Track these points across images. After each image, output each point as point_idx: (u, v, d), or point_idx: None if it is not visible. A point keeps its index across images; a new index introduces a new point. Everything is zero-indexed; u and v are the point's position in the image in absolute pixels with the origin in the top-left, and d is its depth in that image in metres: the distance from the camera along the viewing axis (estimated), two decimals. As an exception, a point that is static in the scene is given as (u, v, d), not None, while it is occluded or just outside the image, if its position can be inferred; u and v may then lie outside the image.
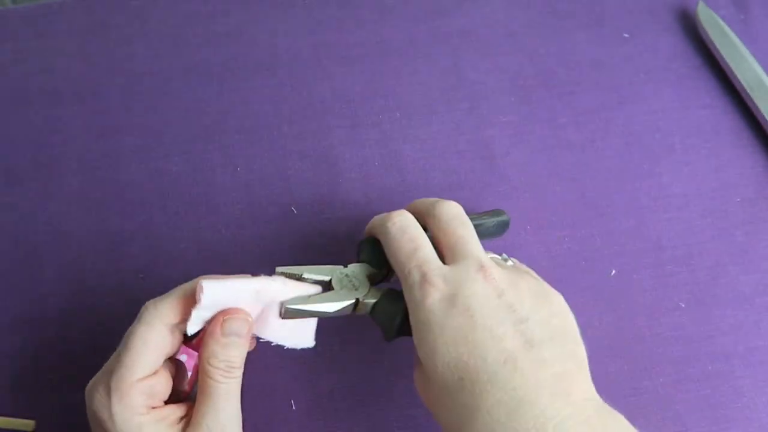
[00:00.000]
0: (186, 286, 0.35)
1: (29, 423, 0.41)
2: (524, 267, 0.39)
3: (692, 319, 0.44)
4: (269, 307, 0.35)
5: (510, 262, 0.39)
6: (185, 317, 0.34)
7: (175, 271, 0.46)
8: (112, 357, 0.35)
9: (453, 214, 0.37)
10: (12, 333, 0.44)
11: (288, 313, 0.36)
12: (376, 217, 0.39)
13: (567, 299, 0.45)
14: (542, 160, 0.49)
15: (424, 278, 0.34)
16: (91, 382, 0.34)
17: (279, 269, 0.37)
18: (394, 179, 0.49)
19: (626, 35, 0.54)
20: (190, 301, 0.34)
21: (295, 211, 0.48)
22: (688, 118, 0.51)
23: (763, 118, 0.50)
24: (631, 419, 0.42)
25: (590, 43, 0.54)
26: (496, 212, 0.44)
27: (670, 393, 0.42)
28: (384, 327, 0.37)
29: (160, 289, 0.45)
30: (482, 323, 0.32)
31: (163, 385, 0.34)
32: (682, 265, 0.46)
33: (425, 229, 0.38)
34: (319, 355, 0.43)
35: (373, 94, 0.52)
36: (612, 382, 0.42)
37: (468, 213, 0.39)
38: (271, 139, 0.50)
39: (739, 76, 0.51)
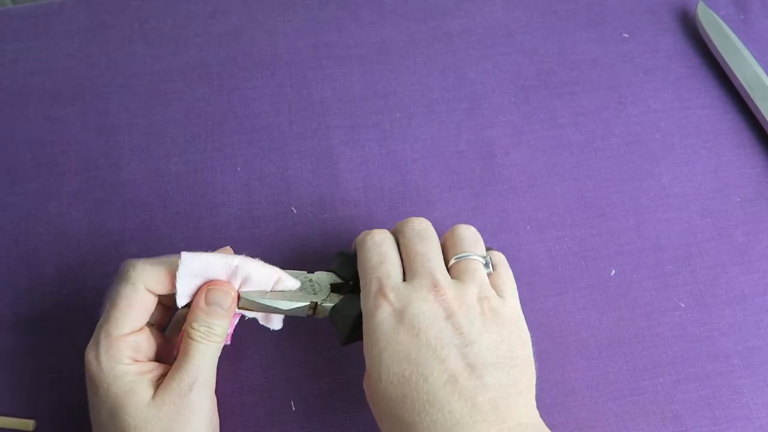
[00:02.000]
0: (171, 259, 0.37)
1: (29, 423, 0.41)
2: (504, 271, 0.39)
3: (692, 319, 0.44)
4: (246, 283, 0.37)
5: (489, 269, 0.38)
6: (167, 287, 0.37)
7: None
8: (102, 317, 0.37)
9: (416, 230, 0.38)
10: (12, 332, 0.44)
11: (243, 303, 0.37)
12: (362, 233, 0.40)
13: (567, 299, 0.45)
14: (542, 160, 0.49)
15: (379, 290, 0.35)
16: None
17: None
18: (394, 179, 0.49)
19: (626, 35, 0.54)
20: (173, 274, 0.36)
21: (295, 211, 0.48)
22: (688, 118, 0.51)
23: (763, 118, 0.50)
24: (631, 419, 0.42)
25: (590, 43, 0.54)
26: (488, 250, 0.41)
27: (670, 393, 0.42)
28: (339, 330, 0.38)
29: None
30: (426, 342, 0.33)
31: (147, 342, 0.37)
32: (682, 265, 0.46)
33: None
34: (319, 355, 0.43)
35: (373, 94, 0.52)
36: (612, 382, 0.42)
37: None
38: (271, 139, 0.50)
39: (739, 76, 0.51)
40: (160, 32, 0.55)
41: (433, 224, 0.47)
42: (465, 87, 0.52)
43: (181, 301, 0.37)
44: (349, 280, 0.40)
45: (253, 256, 0.38)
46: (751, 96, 0.50)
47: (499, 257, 0.39)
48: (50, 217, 0.48)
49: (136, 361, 0.36)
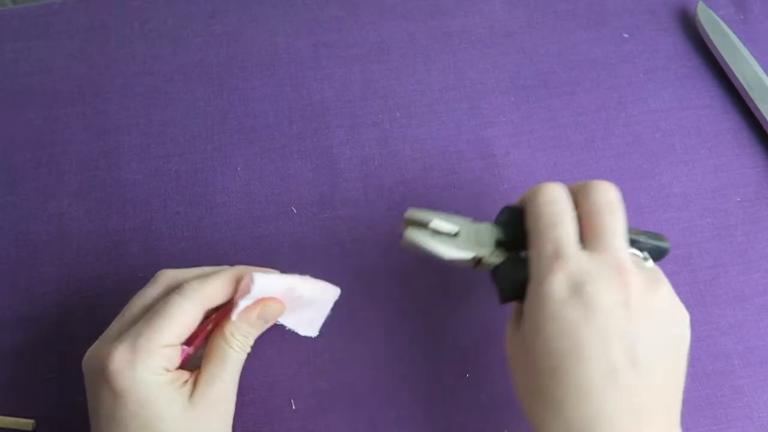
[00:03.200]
0: (228, 274, 0.37)
1: (29, 422, 0.41)
2: (659, 272, 0.36)
3: (692, 318, 0.44)
4: (294, 300, 0.39)
5: (649, 263, 0.36)
6: (217, 303, 0.37)
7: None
8: (117, 322, 0.37)
9: (606, 199, 0.35)
10: (12, 332, 0.44)
11: (406, 241, 0.36)
12: (532, 187, 0.37)
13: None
14: (542, 160, 0.49)
15: (556, 254, 0.33)
16: (96, 350, 0.36)
17: (409, 211, 0.37)
18: (394, 179, 0.49)
19: (626, 35, 0.54)
20: (228, 291, 0.37)
21: (295, 211, 0.48)
22: (688, 118, 0.51)
23: (763, 118, 0.50)
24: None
25: (590, 43, 0.54)
26: (657, 236, 0.39)
27: (670, 393, 0.42)
28: (503, 288, 0.36)
29: (160, 288, 0.45)
30: (597, 326, 0.31)
31: (180, 354, 0.36)
32: (682, 264, 0.46)
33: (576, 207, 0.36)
34: (319, 355, 0.43)
35: (373, 94, 0.52)
36: (612, 381, 0.42)
37: (630, 227, 0.37)
38: (271, 139, 0.50)
39: (739, 76, 0.51)
40: (160, 32, 0.55)
41: (433, 224, 0.47)
42: (465, 87, 0.52)
43: (235, 316, 0.37)
44: (516, 237, 0.37)
45: (261, 265, 0.39)
46: (751, 96, 0.50)
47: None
48: (50, 217, 0.48)
49: (168, 371, 0.35)
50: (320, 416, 0.42)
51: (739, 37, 0.53)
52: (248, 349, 0.37)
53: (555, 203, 0.35)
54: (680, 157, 0.50)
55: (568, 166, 0.49)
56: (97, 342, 0.37)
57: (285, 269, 0.39)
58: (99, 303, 0.45)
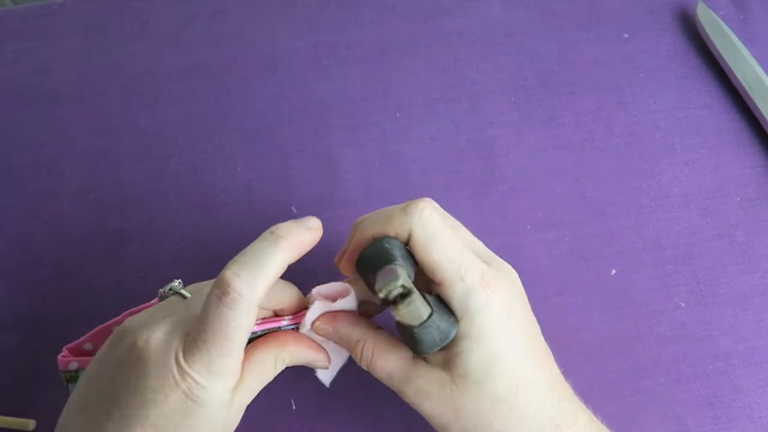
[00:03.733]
0: (271, 254, 0.31)
1: (29, 422, 0.41)
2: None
3: (692, 318, 0.44)
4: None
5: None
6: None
7: (175, 271, 0.46)
8: (209, 337, 0.31)
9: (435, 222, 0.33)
10: (12, 332, 0.44)
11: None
12: (375, 213, 0.35)
13: (567, 299, 0.45)
14: (542, 160, 0.49)
15: (483, 278, 0.32)
16: (152, 337, 0.31)
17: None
18: (394, 179, 0.49)
19: (626, 35, 0.54)
20: (279, 268, 0.31)
21: (295, 211, 0.48)
22: (688, 118, 0.51)
23: (763, 118, 0.50)
24: (631, 419, 0.42)
25: (590, 43, 0.54)
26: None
27: (670, 393, 0.42)
28: (431, 340, 0.32)
29: (160, 288, 0.45)
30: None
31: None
32: (683, 264, 0.46)
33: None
34: (319, 355, 0.43)
35: (373, 94, 0.52)
36: (612, 382, 0.42)
37: None
38: (271, 139, 0.50)
39: (739, 76, 0.51)
40: (160, 32, 0.55)
41: (434, 224, 0.47)
42: (465, 87, 0.52)
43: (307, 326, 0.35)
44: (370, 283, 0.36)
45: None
46: (751, 96, 0.50)
47: None
48: (50, 217, 0.48)
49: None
50: (320, 416, 0.42)
51: (739, 37, 0.53)
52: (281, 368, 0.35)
53: (451, 222, 0.34)
54: (680, 157, 0.50)
55: (568, 166, 0.49)
56: (150, 322, 0.32)
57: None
58: (99, 303, 0.45)
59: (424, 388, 0.33)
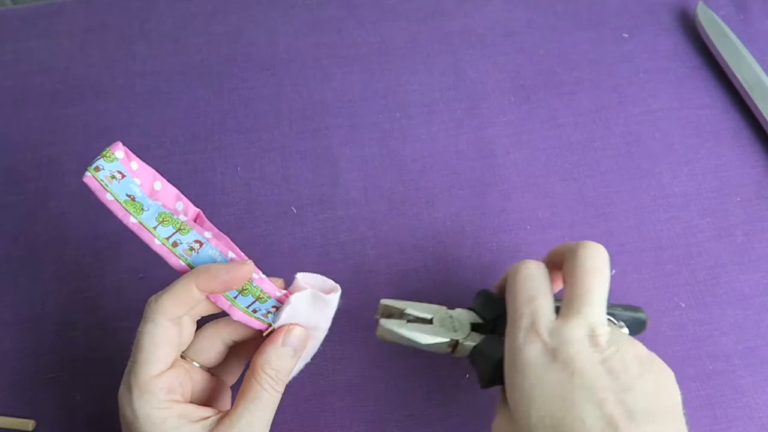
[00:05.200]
0: (184, 280, 0.35)
1: (29, 422, 0.41)
2: (635, 341, 0.36)
3: (692, 318, 0.44)
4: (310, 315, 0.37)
5: (624, 330, 0.37)
6: (186, 310, 0.35)
7: (175, 272, 0.46)
8: (130, 358, 0.35)
9: (591, 264, 0.35)
10: (12, 332, 0.44)
11: (381, 331, 0.37)
12: (512, 265, 0.38)
13: (567, 299, 0.45)
14: (542, 160, 0.49)
15: (532, 326, 0.33)
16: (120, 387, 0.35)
17: (383, 301, 0.38)
18: (394, 179, 0.49)
19: (626, 35, 0.54)
20: (190, 293, 0.34)
21: (295, 211, 0.48)
22: (688, 118, 0.51)
23: (763, 118, 0.50)
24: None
25: (590, 43, 0.54)
26: (634, 308, 0.40)
27: (671, 393, 0.42)
28: (482, 369, 0.36)
29: (159, 289, 0.45)
30: (581, 383, 0.31)
31: (181, 381, 0.35)
32: (683, 264, 0.46)
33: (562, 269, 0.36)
34: (319, 355, 0.43)
35: (373, 94, 0.52)
36: (612, 381, 0.42)
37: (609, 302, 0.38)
38: (271, 139, 0.50)
39: (739, 76, 0.51)
40: (160, 32, 0.55)
41: (433, 224, 0.47)
42: (465, 87, 0.52)
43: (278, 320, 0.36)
44: (490, 320, 0.38)
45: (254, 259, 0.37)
46: (751, 96, 0.50)
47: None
48: (50, 217, 0.48)
49: (174, 401, 0.34)
50: (320, 416, 0.42)
51: (739, 37, 0.53)
52: (281, 389, 0.36)
53: (532, 279, 0.36)
54: (680, 157, 0.50)
55: (568, 166, 0.49)
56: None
57: (285, 269, 0.39)
58: (99, 303, 0.45)
59: (495, 420, 0.36)
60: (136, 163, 0.36)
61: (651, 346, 0.43)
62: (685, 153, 0.50)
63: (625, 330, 0.37)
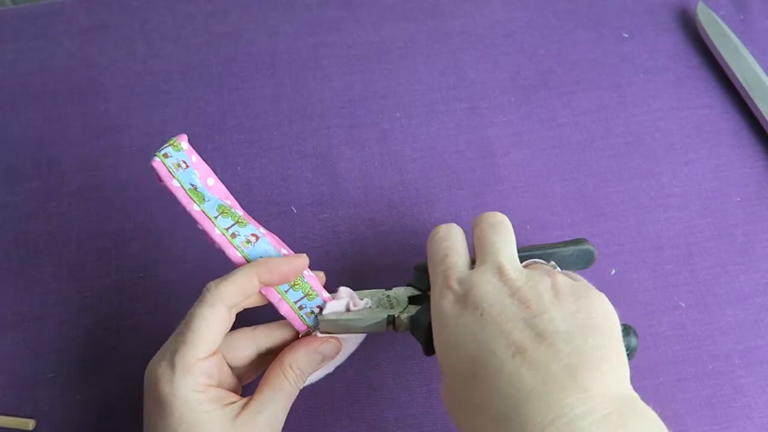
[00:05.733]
0: (246, 270, 0.36)
1: (29, 422, 0.41)
2: (569, 274, 0.36)
3: (692, 318, 0.44)
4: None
5: (556, 269, 0.37)
6: (243, 299, 0.36)
7: (175, 271, 0.46)
8: (172, 337, 0.36)
9: (490, 222, 0.37)
10: (12, 332, 0.44)
11: (324, 326, 0.38)
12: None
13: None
14: (542, 160, 0.49)
15: (444, 281, 0.35)
16: (151, 363, 0.36)
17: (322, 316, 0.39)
18: (394, 179, 0.49)
19: (626, 35, 0.54)
20: (250, 283, 0.36)
21: (295, 211, 0.48)
22: (688, 118, 0.51)
23: (763, 118, 0.50)
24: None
25: (590, 43, 0.54)
26: (578, 241, 0.41)
27: (670, 393, 0.42)
28: (419, 337, 0.37)
29: (160, 289, 0.45)
30: (491, 319, 0.31)
31: (219, 368, 0.36)
32: (683, 264, 0.46)
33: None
34: (319, 355, 0.43)
35: (373, 94, 0.52)
36: (612, 381, 0.42)
37: (548, 243, 0.39)
38: (271, 139, 0.50)
39: (739, 76, 0.51)
40: (160, 32, 0.55)
41: (433, 224, 0.47)
42: (465, 87, 0.52)
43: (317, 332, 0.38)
44: (426, 291, 0.39)
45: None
46: (751, 96, 0.50)
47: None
48: (50, 217, 0.48)
49: (210, 386, 0.35)
50: (320, 416, 0.42)
51: (739, 37, 0.53)
52: (301, 386, 0.37)
53: (444, 239, 0.37)
54: (680, 157, 0.50)
55: (568, 166, 0.49)
56: (156, 354, 0.36)
57: (359, 290, 0.40)
58: (99, 303, 0.45)
59: (442, 390, 0.36)
60: (195, 157, 0.38)
61: (651, 345, 0.43)
62: (685, 153, 0.50)
63: (557, 269, 0.37)
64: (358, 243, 0.47)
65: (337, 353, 0.39)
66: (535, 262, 0.37)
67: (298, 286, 0.38)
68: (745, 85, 0.50)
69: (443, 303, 0.34)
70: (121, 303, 0.45)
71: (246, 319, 0.38)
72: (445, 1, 0.56)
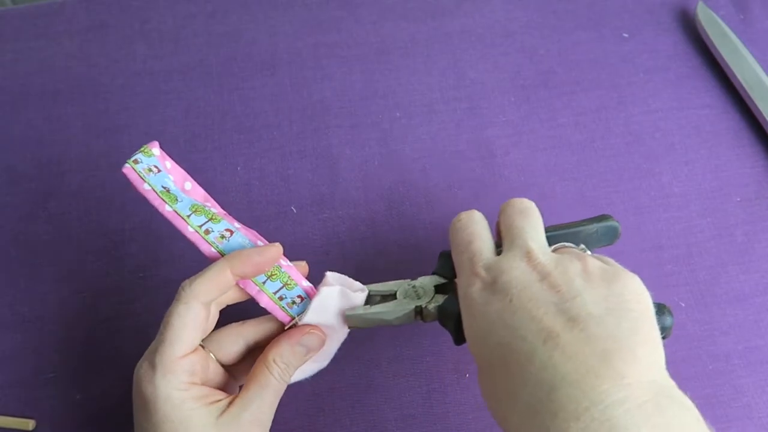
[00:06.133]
0: (219, 265, 0.36)
1: (29, 422, 0.41)
2: (599, 257, 0.35)
3: (692, 318, 0.44)
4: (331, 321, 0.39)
5: (587, 252, 0.36)
6: (218, 295, 0.36)
7: (175, 271, 0.46)
8: (155, 339, 0.36)
9: (517, 207, 0.37)
10: (12, 332, 0.44)
11: (350, 320, 0.38)
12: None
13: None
14: (542, 160, 0.49)
15: (471, 268, 0.34)
16: (137, 364, 0.36)
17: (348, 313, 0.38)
18: (394, 179, 0.49)
19: (626, 35, 0.54)
20: (224, 277, 0.36)
21: (295, 211, 0.48)
22: (688, 118, 0.51)
23: (763, 118, 0.50)
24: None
25: (590, 43, 0.54)
26: (602, 217, 0.40)
27: (670, 393, 0.42)
28: (448, 326, 0.36)
29: (160, 288, 0.45)
30: (520, 305, 0.31)
31: (202, 365, 0.36)
32: (682, 264, 0.46)
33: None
34: (319, 355, 0.43)
35: (373, 94, 0.52)
36: (612, 381, 0.42)
37: (572, 221, 0.39)
38: (271, 139, 0.50)
39: (739, 76, 0.51)
40: (160, 32, 0.55)
41: (433, 224, 0.47)
42: (465, 87, 0.52)
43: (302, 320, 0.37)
44: (452, 279, 0.38)
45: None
46: (751, 96, 0.50)
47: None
48: (50, 217, 0.48)
49: (193, 384, 0.35)
50: (320, 416, 0.42)
51: (739, 37, 0.53)
52: (288, 379, 0.37)
53: (467, 227, 0.36)
54: (680, 157, 0.50)
55: (568, 166, 0.49)
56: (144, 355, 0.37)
57: (322, 275, 0.39)
58: (99, 303, 0.45)
59: (479, 378, 0.36)
60: (169, 163, 0.38)
61: (651, 346, 0.43)
62: (685, 153, 0.50)
63: (588, 252, 0.36)
64: (358, 243, 0.47)
65: (322, 345, 0.38)
66: (564, 246, 0.36)
67: (276, 276, 0.37)
68: (745, 85, 0.50)
69: (471, 290, 0.33)
70: (121, 303, 0.45)
71: (238, 316, 0.38)
72: (445, 1, 0.56)
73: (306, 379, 0.42)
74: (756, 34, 0.54)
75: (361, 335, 0.44)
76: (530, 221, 0.36)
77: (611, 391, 0.27)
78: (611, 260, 0.35)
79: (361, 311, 0.37)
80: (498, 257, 0.34)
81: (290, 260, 0.39)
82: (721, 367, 0.43)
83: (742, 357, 0.43)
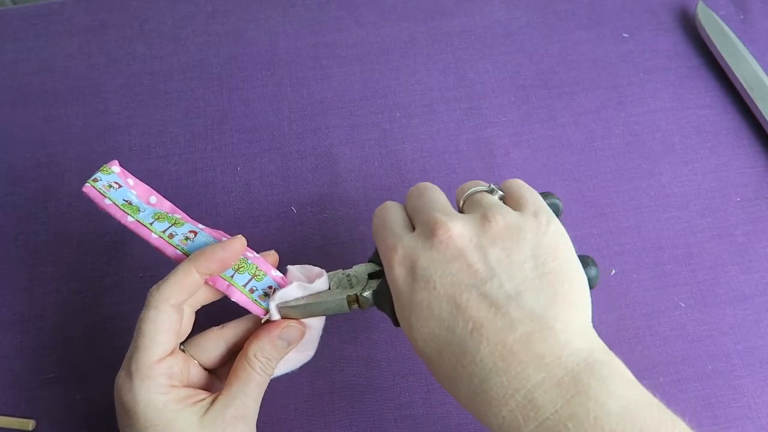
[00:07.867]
0: (184, 266, 0.36)
1: (29, 422, 0.41)
2: (517, 188, 0.36)
3: (692, 318, 0.44)
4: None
5: (499, 193, 0.36)
6: (187, 296, 0.36)
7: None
8: (130, 346, 0.36)
9: (414, 193, 0.37)
10: (12, 332, 0.44)
11: (284, 312, 0.37)
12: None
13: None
14: (542, 160, 0.49)
15: (387, 248, 0.34)
16: (117, 375, 0.36)
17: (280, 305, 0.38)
18: (394, 179, 0.49)
19: (626, 35, 0.54)
20: (190, 277, 0.36)
21: (295, 211, 0.48)
22: (688, 118, 0.51)
23: (763, 118, 0.50)
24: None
25: (590, 43, 0.54)
26: (544, 195, 0.39)
27: (670, 393, 0.42)
28: (385, 312, 0.36)
29: (160, 288, 0.45)
30: (444, 294, 0.31)
31: (182, 368, 0.36)
32: (682, 264, 0.46)
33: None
34: (318, 355, 0.43)
35: (373, 94, 0.52)
36: (612, 381, 0.42)
37: None
38: (271, 139, 0.50)
39: (739, 76, 0.51)
40: (160, 32, 0.55)
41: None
42: (465, 87, 0.52)
43: (273, 310, 0.37)
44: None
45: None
46: (751, 96, 0.50)
47: (513, 181, 0.37)
48: (50, 217, 0.48)
49: (173, 386, 0.35)
50: (320, 416, 0.42)
51: (739, 37, 0.53)
52: (271, 372, 0.37)
53: (382, 213, 0.37)
54: (680, 157, 0.50)
55: (568, 166, 0.49)
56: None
57: (284, 269, 0.39)
58: (99, 303, 0.45)
59: None
60: (132, 180, 0.39)
61: (651, 345, 0.44)
62: (685, 153, 0.50)
63: (499, 193, 0.36)
64: (358, 243, 0.47)
65: (302, 337, 0.38)
66: (472, 195, 0.36)
67: (243, 268, 0.37)
68: (745, 85, 0.50)
69: (396, 277, 0.33)
70: (121, 303, 0.45)
71: (217, 316, 0.39)
72: (445, 1, 0.56)
73: (306, 379, 0.42)
74: (756, 34, 0.54)
75: (362, 335, 0.44)
76: (427, 195, 0.36)
77: (532, 374, 0.29)
78: (524, 188, 0.35)
79: (293, 303, 0.37)
80: (410, 239, 0.34)
81: (290, 261, 0.39)
82: (721, 366, 0.43)
83: (742, 357, 0.43)
